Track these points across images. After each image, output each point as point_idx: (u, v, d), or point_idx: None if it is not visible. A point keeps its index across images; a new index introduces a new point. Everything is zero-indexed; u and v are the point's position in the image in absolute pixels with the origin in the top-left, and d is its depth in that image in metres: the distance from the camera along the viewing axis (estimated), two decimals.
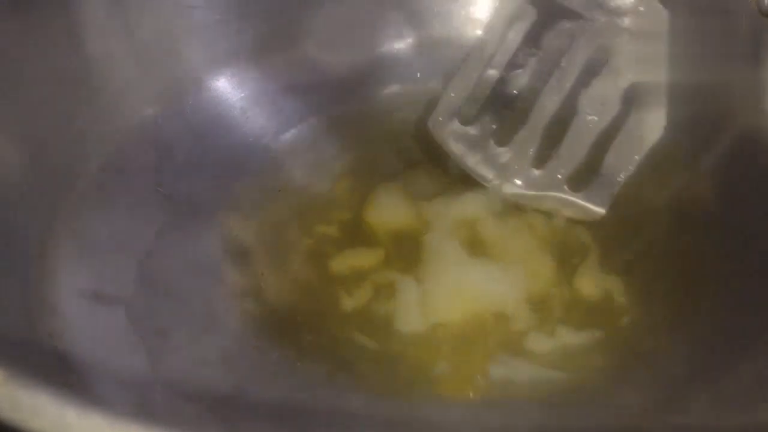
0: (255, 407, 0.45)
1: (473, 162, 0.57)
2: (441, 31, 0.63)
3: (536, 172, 0.56)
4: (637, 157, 0.54)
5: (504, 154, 0.57)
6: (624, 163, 0.54)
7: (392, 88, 0.65)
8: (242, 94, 0.63)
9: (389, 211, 0.55)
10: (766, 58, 0.53)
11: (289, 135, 0.63)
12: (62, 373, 0.41)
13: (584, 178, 0.55)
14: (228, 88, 0.63)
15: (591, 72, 0.55)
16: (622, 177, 0.54)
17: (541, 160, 0.56)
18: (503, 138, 0.58)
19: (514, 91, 0.61)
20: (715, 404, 0.43)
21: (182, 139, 0.60)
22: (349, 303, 0.51)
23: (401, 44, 0.67)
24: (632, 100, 0.55)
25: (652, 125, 0.54)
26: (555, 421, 0.44)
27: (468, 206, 0.55)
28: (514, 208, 0.55)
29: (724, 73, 0.55)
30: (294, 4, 0.63)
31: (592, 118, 0.55)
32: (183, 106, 0.61)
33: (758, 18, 0.50)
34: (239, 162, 0.61)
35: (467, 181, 0.57)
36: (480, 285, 0.50)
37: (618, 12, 0.54)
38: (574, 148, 0.55)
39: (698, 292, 0.50)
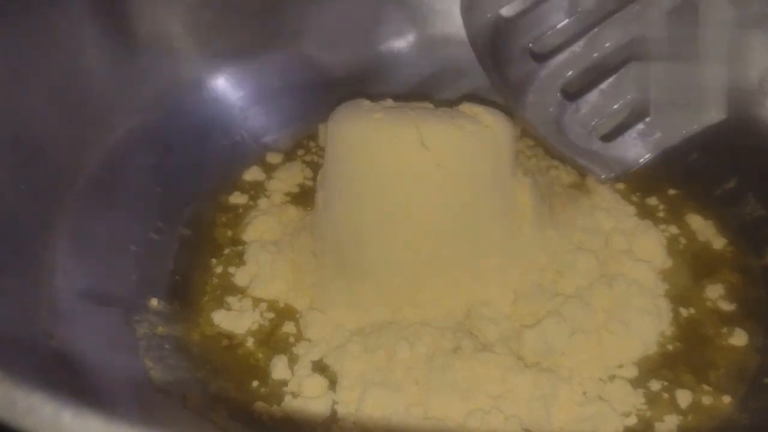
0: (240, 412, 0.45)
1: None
2: (442, 29, 0.62)
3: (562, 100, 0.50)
4: (683, 132, 0.49)
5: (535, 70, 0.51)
6: (668, 134, 0.49)
7: (393, 87, 0.65)
8: (241, 94, 0.63)
9: None
10: None
11: (289, 134, 0.64)
12: (60, 373, 0.41)
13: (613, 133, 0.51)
14: (227, 88, 0.63)
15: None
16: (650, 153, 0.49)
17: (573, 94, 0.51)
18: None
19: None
20: None
21: (181, 139, 0.60)
22: None
23: (402, 43, 0.67)
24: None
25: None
26: None
27: None
28: None
29: None
30: (293, 2, 0.63)
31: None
32: (182, 105, 0.60)
33: None
34: (238, 162, 0.61)
35: None
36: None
37: None
38: (614, 94, 0.50)
39: None
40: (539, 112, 0.52)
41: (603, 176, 0.51)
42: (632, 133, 0.51)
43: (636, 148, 0.51)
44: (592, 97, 0.51)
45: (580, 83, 0.52)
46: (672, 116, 0.50)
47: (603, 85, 0.51)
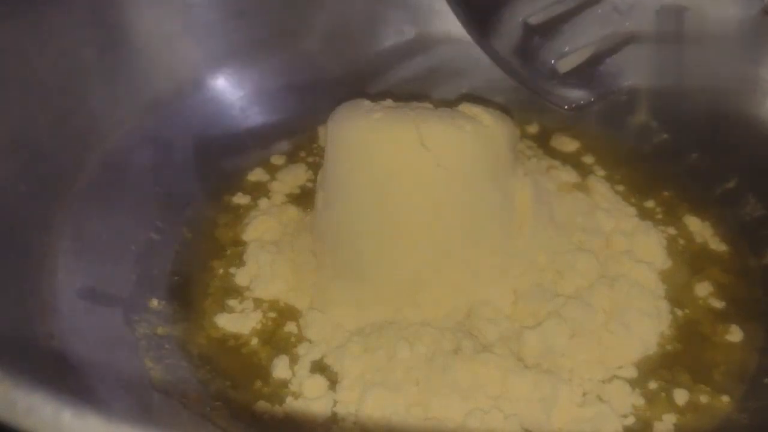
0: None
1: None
2: (441, 29, 0.63)
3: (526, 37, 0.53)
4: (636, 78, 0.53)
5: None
6: (620, 77, 0.53)
7: (393, 87, 0.65)
8: (241, 93, 0.63)
9: None
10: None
11: (289, 134, 0.63)
12: (60, 373, 0.41)
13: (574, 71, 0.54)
14: (227, 88, 0.63)
15: None
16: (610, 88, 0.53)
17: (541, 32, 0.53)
18: None
19: None
20: None
21: (181, 139, 0.60)
22: None
23: (402, 43, 0.67)
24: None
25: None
26: None
27: None
28: None
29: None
30: (293, 2, 0.64)
31: (614, 13, 0.52)
32: (182, 105, 0.60)
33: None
34: (238, 161, 0.61)
35: None
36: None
37: None
38: (580, 32, 0.53)
39: None
40: (501, 43, 0.54)
41: (566, 106, 0.54)
42: (588, 73, 0.54)
43: (589, 87, 0.54)
44: (555, 34, 0.54)
45: (544, 20, 0.54)
46: (627, 61, 0.53)
47: (566, 25, 0.54)
